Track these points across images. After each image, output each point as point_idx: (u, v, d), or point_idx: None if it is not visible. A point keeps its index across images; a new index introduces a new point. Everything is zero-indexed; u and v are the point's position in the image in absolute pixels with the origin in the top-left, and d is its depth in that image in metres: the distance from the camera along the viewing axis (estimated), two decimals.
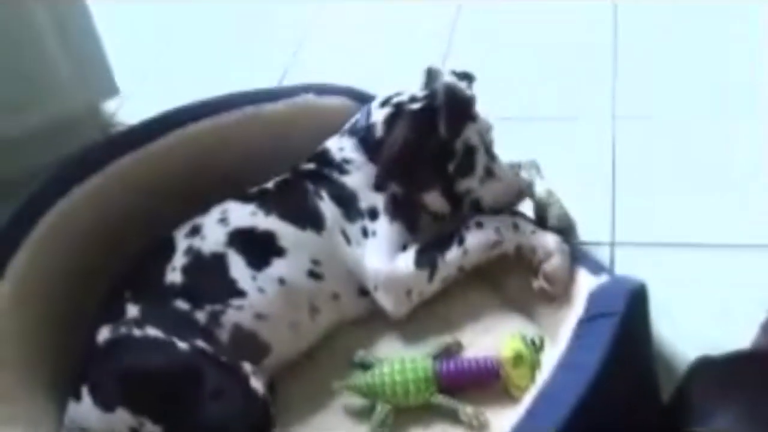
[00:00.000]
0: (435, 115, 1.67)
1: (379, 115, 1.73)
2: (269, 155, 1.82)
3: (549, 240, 1.61)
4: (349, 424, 1.54)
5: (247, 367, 1.50)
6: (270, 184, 1.74)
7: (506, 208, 1.69)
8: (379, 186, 1.69)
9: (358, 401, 1.55)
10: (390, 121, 1.71)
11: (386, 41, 2.69)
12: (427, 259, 1.63)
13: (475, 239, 1.63)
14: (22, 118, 2.26)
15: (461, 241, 1.63)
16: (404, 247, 1.65)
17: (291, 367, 1.62)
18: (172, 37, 2.86)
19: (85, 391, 1.47)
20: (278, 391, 1.57)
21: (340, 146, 1.75)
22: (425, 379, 1.52)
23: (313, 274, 1.63)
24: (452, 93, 1.69)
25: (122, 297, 1.58)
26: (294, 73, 2.58)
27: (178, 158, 1.81)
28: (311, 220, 1.66)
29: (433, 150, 1.67)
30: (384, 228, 1.66)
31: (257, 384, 1.48)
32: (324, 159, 1.75)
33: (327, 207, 1.68)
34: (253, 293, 1.58)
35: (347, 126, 1.79)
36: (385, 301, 1.63)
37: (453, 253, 1.63)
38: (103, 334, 1.53)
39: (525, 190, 1.72)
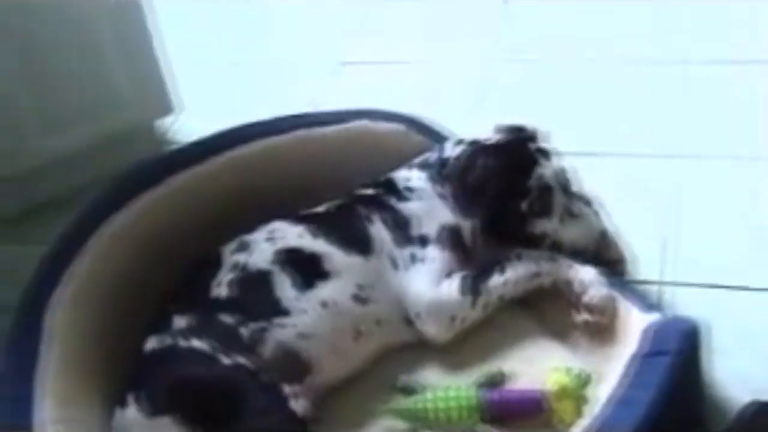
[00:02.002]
0: (509, 154, 1.70)
1: (453, 152, 1.75)
2: (320, 179, 1.84)
3: (586, 273, 1.61)
4: None
5: (287, 388, 1.51)
6: (321, 208, 1.76)
7: (588, 253, 1.68)
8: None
9: (400, 426, 1.54)
10: (463, 164, 1.72)
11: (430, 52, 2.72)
12: (470, 285, 1.63)
13: (516, 270, 1.64)
14: (78, 132, 2.31)
15: (502, 271, 1.64)
16: (449, 275, 1.65)
17: (333, 388, 1.62)
18: (225, 55, 2.90)
19: (130, 399, 1.49)
20: (321, 412, 1.57)
21: (407, 177, 1.77)
22: (469, 408, 1.51)
23: (359, 299, 1.63)
24: (519, 130, 1.74)
25: (170, 308, 1.61)
26: (343, 94, 2.60)
27: (229, 178, 1.84)
28: (359, 245, 1.67)
29: (502, 188, 1.68)
30: (433, 255, 1.66)
31: (297, 405, 1.49)
32: (385, 186, 1.76)
33: (377, 231, 1.69)
34: (297, 313, 1.59)
35: (417, 161, 1.80)
36: (428, 326, 1.63)
37: (494, 282, 1.64)
38: (151, 343, 1.56)
39: (607, 235, 1.71)
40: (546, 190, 1.69)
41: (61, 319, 1.58)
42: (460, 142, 1.77)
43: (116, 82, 2.32)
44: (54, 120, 2.27)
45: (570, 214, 1.70)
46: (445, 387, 1.54)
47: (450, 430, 1.51)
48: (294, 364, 1.57)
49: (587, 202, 1.74)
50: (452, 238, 1.69)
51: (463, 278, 1.64)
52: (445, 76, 2.65)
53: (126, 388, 1.51)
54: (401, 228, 1.69)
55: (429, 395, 1.53)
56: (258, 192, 1.84)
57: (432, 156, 1.78)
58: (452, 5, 2.93)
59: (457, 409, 1.51)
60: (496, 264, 1.65)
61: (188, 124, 2.54)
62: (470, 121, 1.97)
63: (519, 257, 1.65)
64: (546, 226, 1.68)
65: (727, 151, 2.20)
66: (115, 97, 2.33)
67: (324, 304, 1.61)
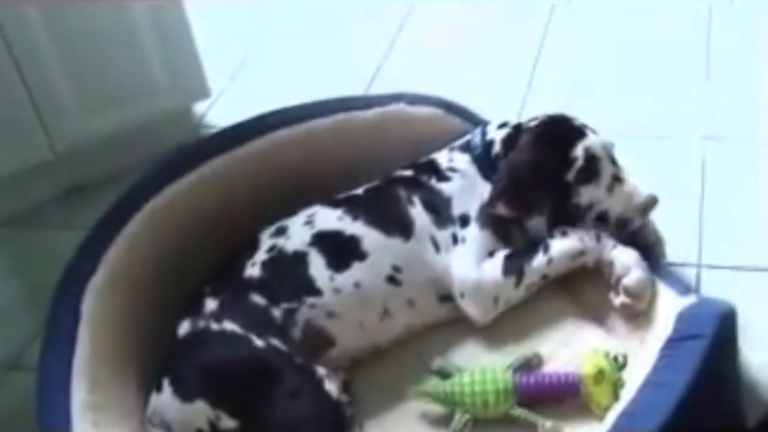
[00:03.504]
0: (554, 130, 1.70)
1: (497, 135, 1.74)
2: (359, 162, 1.84)
3: (628, 255, 1.59)
4: (425, 430, 1.54)
5: (321, 370, 1.52)
6: (360, 190, 1.76)
7: (633, 222, 1.66)
8: (489, 204, 1.68)
9: (435, 408, 1.55)
10: (508, 141, 1.72)
11: (476, 45, 2.71)
12: (514, 265, 1.63)
13: (560, 248, 1.62)
14: (116, 117, 2.33)
15: (546, 249, 1.63)
16: (491, 254, 1.65)
17: (367, 369, 1.63)
18: (261, 39, 2.90)
19: (165, 383, 1.51)
20: (355, 394, 1.58)
21: (450, 158, 1.76)
22: (505, 391, 1.51)
23: (392, 280, 1.64)
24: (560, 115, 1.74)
25: (202, 291, 1.62)
26: (384, 76, 2.61)
27: (269, 162, 1.85)
28: (399, 227, 1.67)
29: (551, 167, 1.67)
30: (473, 235, 1.66)
31: (331, 387, 1.50)
32: (426, 167, 1.76)
33: (418, 214, 1.68)
34: (329, 293, 1.60)
35: (458, 143, 1.80)
36: (471, 308, 1.63)
37: (538, 261, 1.62)
38: (183, 327, 1.58)
39: (653, 202, 1.68)
40: (593, 159, 1.67)
41: (97, 304, 1.59)
42: (503, 125, 1.76)
43: (153, 67, 2.34)
44: (93, 105, 2.29)
45: (618, 182, 1.67)
46: (480, 370, 1.54)
47: (486, 413, 1.51)
48: (318, 339, 1.59)
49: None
50: (494, 217, 1.67)
51: (507, 258, 1.63)
52: (497, 47, 2.66)
53: (161, 373, 1.53)
54: (442, 208, 1.69)
55: (465, 378, 1.53)
56: (297, 176, 1.84)
57: (475, 138, 1.77)
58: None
59: (493, 393, 1.51)
60: (540, 242, 1.64)
61: (224, 109, 2.56)
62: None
63: (564, 234, 1.64)
64: (593, 193, 1.66)
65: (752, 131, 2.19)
66: (152, 81, 2.35)
67: (357, 285, 1.61)
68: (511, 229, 1.69)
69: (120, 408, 1.51)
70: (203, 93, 2.48)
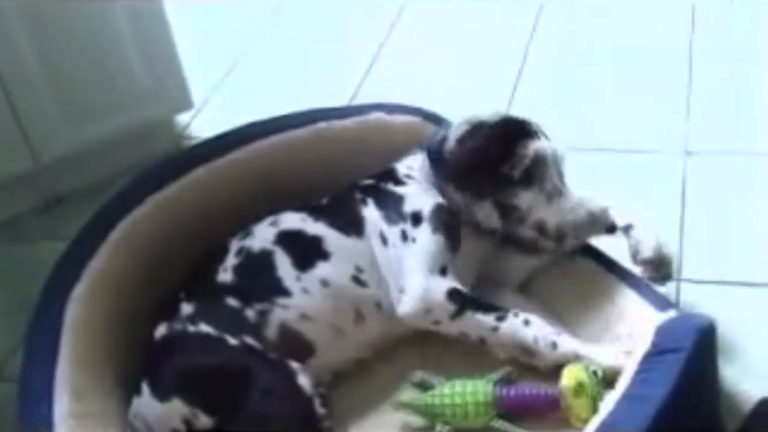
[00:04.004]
0: (508, 127, 1.72)
1: (452, 133, 1.76)
2: (338, 171, 1.85)
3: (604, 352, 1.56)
4: None
5: (294, 364, 1.54)
6: (324, 200, 1.78)
7: (568, 238, 1.68)
8: (439, 185, 1.71)
9: (416, 420, 1.56)
10: (463, 137, 1.73)
11: (461, 52, 2.73)
12: (460, 301, 1.61)
13: (511, 331, 1.58)
14: (98, 127, 2.33)
15: (500, 320, 1.59)
16: (443, 271, 1.64)
17: (349, 382, 1.64)
18: (245, 48, 2.90)
19: (144, 385, 1.53)
20: (335, 406, 1.58)
21: (409, 165, 1.79)
22: (485, 404, 1.52)
23: (358, 281, 1.65)
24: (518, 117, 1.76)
25: (177, 296, 1.64)
26: (369, 84, 2.62)
27: (250, 171, 1.87)
28: (354, 226, 1.69)
29: (495, 156, 1.68)
30: (425, 237, 1.66)
31: (304, 381, 1.52)
32: (386, 175, 1.78)
33: (369, 212, 1.71)
34: (298, 293, 1.62)
35: (422, 143, 1.82)
36: (403, 304, 1.63)
37: (484, 320, 1.60)
38: (160, 331, 1.60)
39: (599, 216, 1.69)
40: (540, 162, 1.68)
41: (80, 312, 1.60)
42: (461, 124, 1.77)
43: (136, 78, 2.34)
44: (75, 115, 2.29)
45: (558, 193, 1.68)
46: (461, 382, 1.55)
47: (466, 425, 1.52)
48: (297, 345, 1.60)
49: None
50: (446, 219, 1.69)
51: (458, 291, 1.62)
52: (482, 54, 2.67)
53: (139, 376, 1.55)
54: (393, 205, 1.71)
55: (446, 390, 1.54)
56: (279, 184, 1.86)
57: (434, 137, 1.79)
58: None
59: (473, 405, 1.52)
60: (500, 309, 1.61)
61: (207, 119, 2.56)
62: None
63: (526, 323, 1.59)
64: (533, 199, 1.67)
65: (744, 148, 2.20)
66: (135, 92, 2.35)
67: (324, 284, 1.63)
68: (463, 239, 1.70)
69: (102, 416, 1.52)
70: (186, 104, 2.48)
